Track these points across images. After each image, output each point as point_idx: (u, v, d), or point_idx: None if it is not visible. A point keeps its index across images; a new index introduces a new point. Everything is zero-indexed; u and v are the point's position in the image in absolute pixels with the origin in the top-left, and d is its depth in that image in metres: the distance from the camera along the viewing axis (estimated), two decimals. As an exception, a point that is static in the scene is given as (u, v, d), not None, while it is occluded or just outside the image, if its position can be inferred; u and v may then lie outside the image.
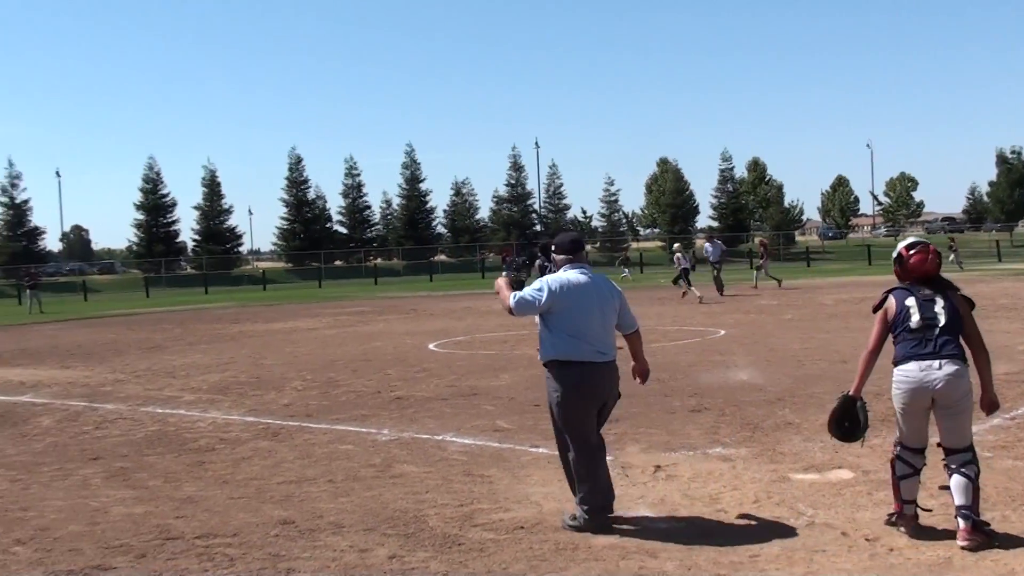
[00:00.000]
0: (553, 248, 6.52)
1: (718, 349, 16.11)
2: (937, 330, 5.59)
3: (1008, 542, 5.50)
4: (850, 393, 5.91)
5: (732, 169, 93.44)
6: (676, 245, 33.90)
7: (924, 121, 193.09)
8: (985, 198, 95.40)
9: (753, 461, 7.88)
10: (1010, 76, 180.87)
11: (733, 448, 8.41)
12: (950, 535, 5.54)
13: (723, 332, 19.04)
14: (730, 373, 13.11)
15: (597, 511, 6.11)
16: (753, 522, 6.19)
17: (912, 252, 5.86)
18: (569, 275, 6.23)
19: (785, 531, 5.94)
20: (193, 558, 5.86)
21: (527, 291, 6.22)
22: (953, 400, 5.55)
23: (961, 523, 5.46)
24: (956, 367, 5.54)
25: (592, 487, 6.15)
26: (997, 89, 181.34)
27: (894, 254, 6.00)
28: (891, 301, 5.80)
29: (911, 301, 5.70)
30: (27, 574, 5.70)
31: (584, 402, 6.18)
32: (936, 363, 5.52)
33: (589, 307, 6.15)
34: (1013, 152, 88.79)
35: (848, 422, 5.90)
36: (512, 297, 6.19)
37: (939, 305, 5.65)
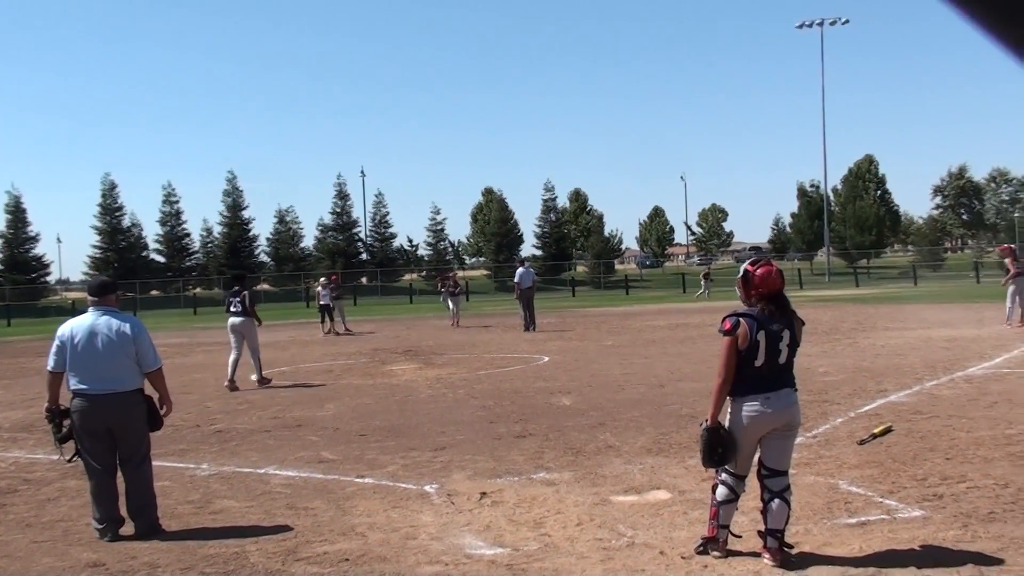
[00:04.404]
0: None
1: (542, 375, 16.39)
2: (780, 365, 5.75)
3: (810, 554, 5.84)
4: (709, 424, 5.80)
5: (555, 199, 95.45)
6: (322, 280, 33.51)
7: (733, 156, 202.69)
8: (788, 229, 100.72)
9: (576, 484, 8.04)
10: (810, 115, 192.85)
11: (557, 472, 8.56)
12: (758, 552, 5.82)
13: (547, 358, 19.39)
14: (553, 399, 13.35)
15: (104, 522, 6.98)
16: (576, 545, 6.31)
17: (757, 268, 5.78)
18: (81, 318, 7.23)
19: (607, 552, 6.09)
20: (-8, 608, 5.49)
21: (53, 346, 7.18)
22: (792, 425, 5.82)
23: (769, 543, 5.74)
24: (794, 395, 5.81)
25: (97, 504, 7.03)
26: (798, 127, 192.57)
27: (739, 273, 5.93)
28: (743, 330, 5.66)
29: (761, 337, 5.65)
30: None
31: (83, 425, 7.03)
32: (776, 395, 5.71)
33: (91, 345, 7.03)
34: (812, 186, 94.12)
35: (719, 450, 5.79)
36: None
37: (785, 341, 5.71)
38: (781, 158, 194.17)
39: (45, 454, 10.34)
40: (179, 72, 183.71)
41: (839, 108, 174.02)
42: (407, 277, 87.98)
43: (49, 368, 7.18)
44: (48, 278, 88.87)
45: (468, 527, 6.87)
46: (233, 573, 5.97)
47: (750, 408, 5.72)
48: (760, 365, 5.68)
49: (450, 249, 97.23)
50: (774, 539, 5.73)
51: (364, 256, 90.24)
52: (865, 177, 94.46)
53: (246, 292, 16.95)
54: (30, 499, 8.40)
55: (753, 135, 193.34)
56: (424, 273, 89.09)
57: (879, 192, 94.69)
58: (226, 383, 16.13)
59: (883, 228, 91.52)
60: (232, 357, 16.53)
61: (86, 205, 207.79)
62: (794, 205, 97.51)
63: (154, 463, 7.38)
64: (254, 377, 16.60)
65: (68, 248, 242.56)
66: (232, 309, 16.82)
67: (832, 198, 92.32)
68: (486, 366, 18.56)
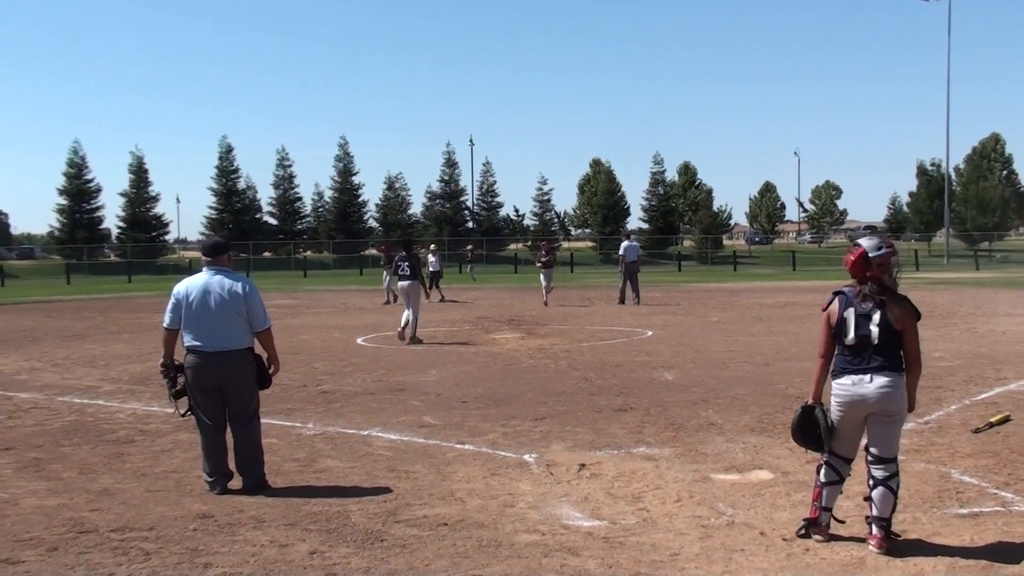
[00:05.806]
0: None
1: (645, 350, 16.26)
2: (871, 347, 5.60)
3: (918, 543, 5.66)
4: (809, 402, 5.82)
5: (663, 172, 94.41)
6: (432, 246, 35.65)
7: (849, 131, 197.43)
8: (905, 208, 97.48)
9: (676, 461, 7.96)
10: (933, 91, 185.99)
11: (657, 448, 8.49)
12: (862, 538, 5.66)
13: (650, 333, 19.23)
14: (656, 373, 13.24)
15: (214, 476, 7.21)
16: (675, 521, 6.26)
17: (849, 252, 5.81)
18: (196, 277, 7.34)
19: (705, 530, 6.02)
20: (107, 552, 5.73)
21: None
22: (887, 411, 5.61)
23: (875, 530, 5.57)
24: (889, 379, 5.58)
25: (207, 458, 7.26)
26: (919, 103, 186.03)
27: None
28: (834, 307, 5.74)
29: (849, 314, 5.64)
30: (-68, 567, 5.53)
31: (195, 381, 7.25)
32: (868, 377, 5.57)
33: (205, 303, 7.19)
34: (933, 164, 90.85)
35: (808, 428, 5.78)
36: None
37: (875, 321, 5.59)
38: (900, 135, 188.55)
39: (160, 407, 10.73)
40: (297, 44, 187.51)
41: (964, 84, 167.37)
42: (512, 246, 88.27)
43: (165, 325, 7.39)
44: (167, 237, 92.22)
45: (566, 498, 6.87)
46: (335, 531, 6.10)
47: (842, 388, 5.67)
48: (851, 344, 5.63)
49: (556, 220, 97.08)
50: (879, 527, 5.57)
51: (471, 224, 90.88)
52: (990, 156, 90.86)
53: (413, 257, 18.52)
54: (145, 450, 8.74)
55: (871, 111, 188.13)
56: (530, 243, 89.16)
57: (1005, 172, 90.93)
58: (406, 341, 17.80)
59: (1008, 210, 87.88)
60: (405, 315, 18.10)
61: (204, 167, 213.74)
62: (912, 184, 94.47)
63: (262, 421, 7.58)
64: (405, 332, 17.92)
65: (186, 208, 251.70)
66: (401, 272, 18.40)
67: (954, 177, 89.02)
68: (588, 338, 18.52)
